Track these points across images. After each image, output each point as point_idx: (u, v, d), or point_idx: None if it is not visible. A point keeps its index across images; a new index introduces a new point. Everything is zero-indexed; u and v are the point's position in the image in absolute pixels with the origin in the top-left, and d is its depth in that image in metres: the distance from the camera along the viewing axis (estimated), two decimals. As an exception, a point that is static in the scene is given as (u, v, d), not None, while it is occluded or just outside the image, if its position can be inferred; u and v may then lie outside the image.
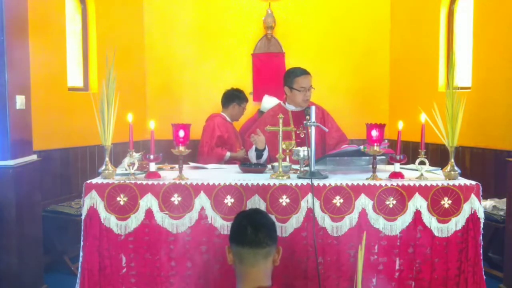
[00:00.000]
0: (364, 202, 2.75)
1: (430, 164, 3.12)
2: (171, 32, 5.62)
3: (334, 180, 2.80)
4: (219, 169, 3.38)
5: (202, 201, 2.74)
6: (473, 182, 2.79)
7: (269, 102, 5.01)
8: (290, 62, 5.45)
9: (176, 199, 2.74)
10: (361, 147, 3.03)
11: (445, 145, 2.86)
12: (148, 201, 2.74)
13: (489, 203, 4.09)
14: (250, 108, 5.56)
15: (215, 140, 4.54)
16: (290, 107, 3.86)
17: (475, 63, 4.69)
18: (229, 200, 2.74)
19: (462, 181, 2.80)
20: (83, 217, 2.75)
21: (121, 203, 2.74)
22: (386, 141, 3.15)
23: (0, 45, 3.31)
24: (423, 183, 2.76)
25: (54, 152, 4.45)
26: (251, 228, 2.07)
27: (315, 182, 2.75)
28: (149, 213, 2.74)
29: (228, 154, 4.48)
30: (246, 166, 3.25)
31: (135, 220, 2.74)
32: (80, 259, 2.75)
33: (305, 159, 2.98)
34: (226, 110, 4.82)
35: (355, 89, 5.70)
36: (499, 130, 4.40)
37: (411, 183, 2.76)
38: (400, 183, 2.76)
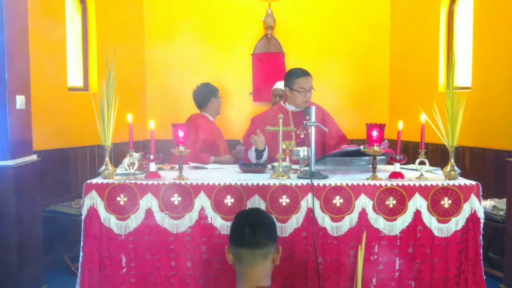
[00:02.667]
0: (364, 202, 2.75)
1: (430, 164, 3.12)
2: (171, 32, 5.62)
3: (334, 180, 2.80)
4: (219, 169, 3.38)
5: (202, 201, 2.74)
6: (473, 182, 2.79)
7: (279, 84, 4.93)
8: (290, 62, 5.45)
9: (176, 199, 2.74)
10: (361, 147, 3.03)
11: (445, 145, 2.86)
12: (148, 201, 2.74)
13: (489, 203, 4.09)
14: (250, 108, 5.57)
15: (200, 145, 4.21)
16: (290, 107, 3.86)
17: (475, 63, 4.69)
18: (229, 200, 2.74)
19: (462, 181, 2.80)
20: (83, 217, 2.75)
21: (121, 203, 2.74)
22: (386, 141, 3.15)
23: (0, 45, 3.31)
24: (423, 183, 2.76)
25: (54, 152, 4.45)
26: (248, 229, 2.07)
27: (315, 182, 2.75)
28: (149, 213, 2.74)
29: (212, 159, 4.19)
30: (246, 166, 3.25)
31: (135, 220, 2.74)
32: (80, 259, 2.75)
33: (305, 159, 2.98)
34: (206, 109, 4.50)
35: (355, 89, 5.70)
36: (499, 130, 4.40)
37: (411, 183, 2.76)
38: (400, 183, 2.76)
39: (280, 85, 4.92)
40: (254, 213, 2.22)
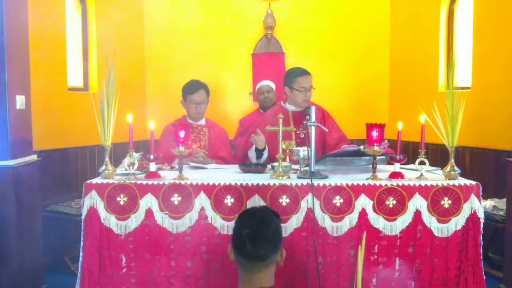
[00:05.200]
0: (364, 202, 2.75)
1: (430, 164, 3.12)
2: (171, 32, 5.62)
3: (334, 180, 2.80)
4: (219, 169, 3.38)
5: (202, 201, 2.74)
6: (473, 182, 2.79)
7: (262, 82, 5.05)
8: (290, 62, 5.45)
9: (176, 199, 2.74)
10: (361, 147, 3.03)
11: (445, 145, 2.86)
12: (148, 201, 2.74)
13: (489, 203, 4.09)
14: (250, 108, 5.56)
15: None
16: (290, 107, 3.86)
17: (475, 63, 4.69)
18: (229, 200, 2.74)
19: (462, 181, 2.80)
20: (83, 217, 2.75)
21: (121, 203, 2.74)
22: (386, 141, 3.15)
23: (0, 45, 3.31)
24: (423, 183, 2.76)
25: (54, 152, 4.45)
26: (250, 243, 1.96)
27: (315, 182, 2.75)
28: (149, 213, 2.74)
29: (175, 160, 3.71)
30: (246, 166, 3.25)
31: (135, 220, 2.74)
32: (80, 259, 2.75)
33: (305, 159, 2.98)
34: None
35: (355, 89, 5.70)
36: (499, 130, 4.40)
37: (411, 183, 2.76)
38: (400, 183, 2.76)
39: (263, 82, 5.01)
40: (259, 222, 2.03)
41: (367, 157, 3.07)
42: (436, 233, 2.74)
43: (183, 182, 2.76)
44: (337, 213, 2.74)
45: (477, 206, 2.75)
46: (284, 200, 2.74)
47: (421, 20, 5.31)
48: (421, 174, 2.83)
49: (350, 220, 2.74)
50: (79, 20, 4.95)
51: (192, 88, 3.93)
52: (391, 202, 2.74)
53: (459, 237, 2.76)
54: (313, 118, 2.90)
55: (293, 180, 2.80)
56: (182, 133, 2.75)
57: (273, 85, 5.01)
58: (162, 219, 2.74)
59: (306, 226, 2.74)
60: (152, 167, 2.84)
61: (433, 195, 2.75)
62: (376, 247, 2.76)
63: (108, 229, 2.74)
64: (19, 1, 3.56)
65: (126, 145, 2.87)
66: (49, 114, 4.35)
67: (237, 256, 2.05)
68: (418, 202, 2.75)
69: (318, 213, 2.74)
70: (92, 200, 2.74)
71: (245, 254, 2.00)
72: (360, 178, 2.82)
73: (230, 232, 2.70)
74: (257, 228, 2.01)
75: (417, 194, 2.75)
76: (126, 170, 2.89)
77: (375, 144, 2.75)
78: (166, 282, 2.75)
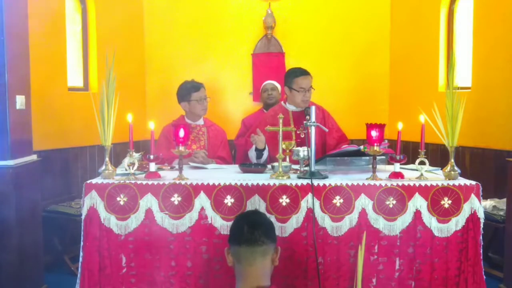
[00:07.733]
0: (364, 202, 2.75)
1: (430, 164, 3.11)
2: (171, 32, 5.62)
3: (334, 180, 2.80)
4: (219, 169, 3.38)
5: (202, 201, 2.74)
6: (473, 182, 2.79)
7: (268, 81, 5.08)
8: (290, 62, 5.44)
9: (176, 199, 2.74)
10: (361, 147, 3.03)
11: (445, 145, 2.86)
12: (148, 201, 2.74)
13: (489, 203, 4.09)
14: (250, 108, 5.56)
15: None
16: (291, 107, 3.86)
17: (475, 63, 4.69)
18: (229, 200, 2.74)
19: (462, 181, 2.80)
20: (83, 217, 2.75)
21: (121, 203, 2.74)
22: (386, 141, 3.15)
23: (0, 45, 3.31)
24: (423, 183, 2.76)
25: (54, 152, 4.45)
26: (247, 227, 2.12)
27: (315, 182, 2.75)
28: (149, 213, 2.74)
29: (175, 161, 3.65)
30: (246, 166, 3.25)
31: (135, 220, 2.74)
32: (80, 259, 2.75)
33: (305, 159, 2.98)
34: (184, 110, 4.08)
35: (355, 89, 5.70)
36: (499, 130, 4.40)
37: (411, 183, 2.76)
38: (400, 183, 2.76)
39: (268, 81, 5.04)
40: (252, 213, 2.30)
41: (367, 157, 3.08)
42: (436, 233, 2.74)
43: (183, 182, 2.76)
44: (337, 213, 2.74)
45: (477, 206, 2.75)
46: (284, 200, 2.74)
47: (421, 20, 5.31)
48: (421, 174, 2.83)
49: (350, 220, 2.74)
50: (79, 20, 4.95)
51: (195, 86, 3.98)
52: (391, 202, 2.74)
53: (459, 237, 2.76)
54: (313, 118, 2.90)
55: (293, 180, 2.80)
56: (182, 133, 2.75)
57: (278, 85, 5.03)
58: (162, 219, 2.74)
59: (306, 226, 2.74)
60: (152, 167, 2.84)
61: (433, 195, 2.75)
62: (376, 247, 2.76)
63: (108, 229, 2.74)
64: (19, 1, 3.56)
65: (126, 145, 2.87)
66: (49, 114, 4.35)
67: (235, 248, 2.12)
68: (418, 202, 2.75)
69: (318, 213, 2.74)
70: (92, 200, 2.74)
71: (242, 239, 2.10)
72: (360, 178, 2.82)
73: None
74: (252, 216, 2.23)
75: (417, 194, 2.75)
76: (126, 170, 2.88)
77: (375, 144, 2.75)
78: (166, 282, 2.75)
